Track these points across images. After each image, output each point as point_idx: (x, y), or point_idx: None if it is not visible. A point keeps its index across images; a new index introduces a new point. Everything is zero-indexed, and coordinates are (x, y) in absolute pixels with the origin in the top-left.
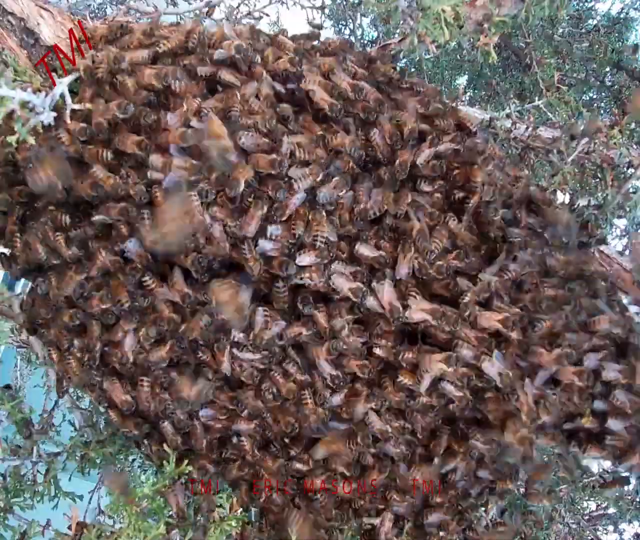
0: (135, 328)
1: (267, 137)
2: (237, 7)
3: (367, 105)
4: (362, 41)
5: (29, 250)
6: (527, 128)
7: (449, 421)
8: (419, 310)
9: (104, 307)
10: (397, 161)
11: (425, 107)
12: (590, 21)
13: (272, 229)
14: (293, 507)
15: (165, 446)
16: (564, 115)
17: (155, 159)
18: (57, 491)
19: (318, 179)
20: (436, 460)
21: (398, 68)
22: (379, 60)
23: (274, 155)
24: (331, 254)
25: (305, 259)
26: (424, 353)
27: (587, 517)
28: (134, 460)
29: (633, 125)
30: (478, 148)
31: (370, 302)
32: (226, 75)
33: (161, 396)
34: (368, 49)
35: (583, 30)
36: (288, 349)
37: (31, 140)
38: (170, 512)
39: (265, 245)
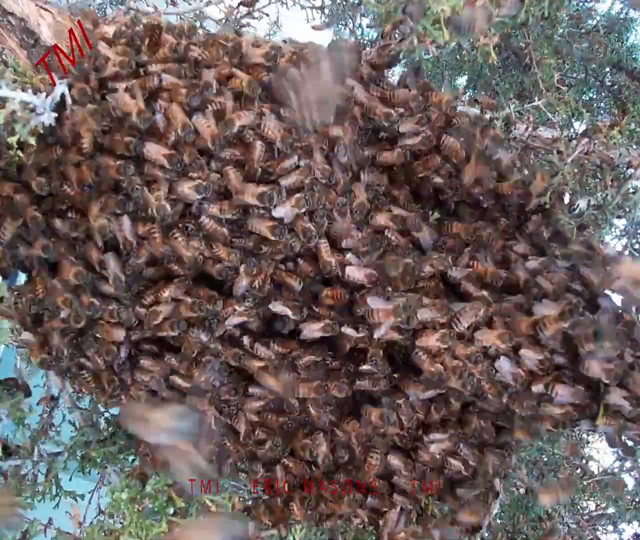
0: None
1: None
2: (236, 7)
3: None
4: (361, 41)
5: None
6: (526, 128)
7: None
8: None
9: None
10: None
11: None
12: (590, 21)
13: None
14: None
15: None
16: (564, 115)
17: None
18: (58, 490)
19: None
20: None
21: None
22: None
23: None
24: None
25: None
26: None
27: (586, 517)
28: (134, 460)
29: (633, 126)
30: None
31: None
32: None
33: None
34: (368, 49)
35: (583, 31)
36: None
37: (32, 141)
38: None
39: None
